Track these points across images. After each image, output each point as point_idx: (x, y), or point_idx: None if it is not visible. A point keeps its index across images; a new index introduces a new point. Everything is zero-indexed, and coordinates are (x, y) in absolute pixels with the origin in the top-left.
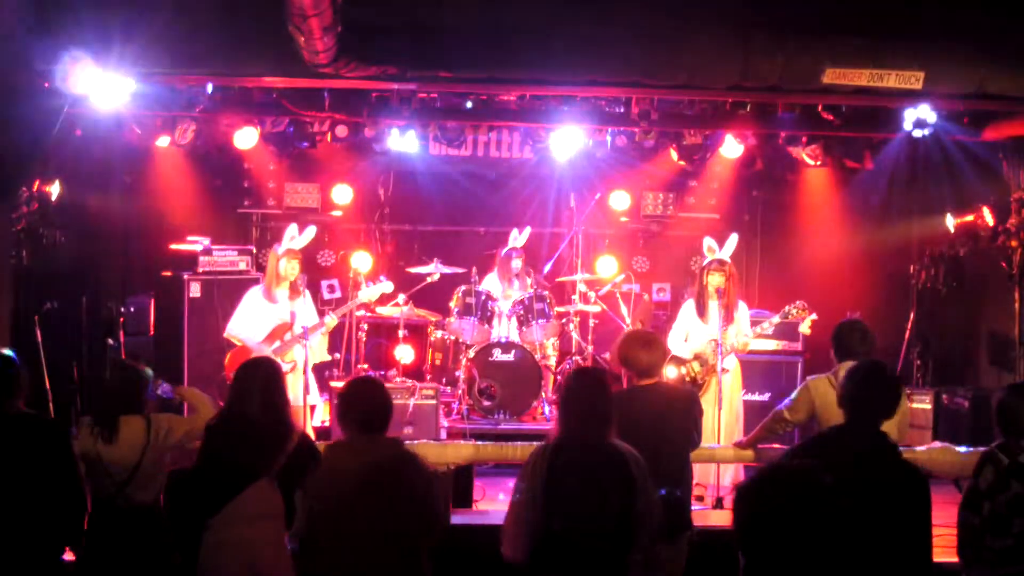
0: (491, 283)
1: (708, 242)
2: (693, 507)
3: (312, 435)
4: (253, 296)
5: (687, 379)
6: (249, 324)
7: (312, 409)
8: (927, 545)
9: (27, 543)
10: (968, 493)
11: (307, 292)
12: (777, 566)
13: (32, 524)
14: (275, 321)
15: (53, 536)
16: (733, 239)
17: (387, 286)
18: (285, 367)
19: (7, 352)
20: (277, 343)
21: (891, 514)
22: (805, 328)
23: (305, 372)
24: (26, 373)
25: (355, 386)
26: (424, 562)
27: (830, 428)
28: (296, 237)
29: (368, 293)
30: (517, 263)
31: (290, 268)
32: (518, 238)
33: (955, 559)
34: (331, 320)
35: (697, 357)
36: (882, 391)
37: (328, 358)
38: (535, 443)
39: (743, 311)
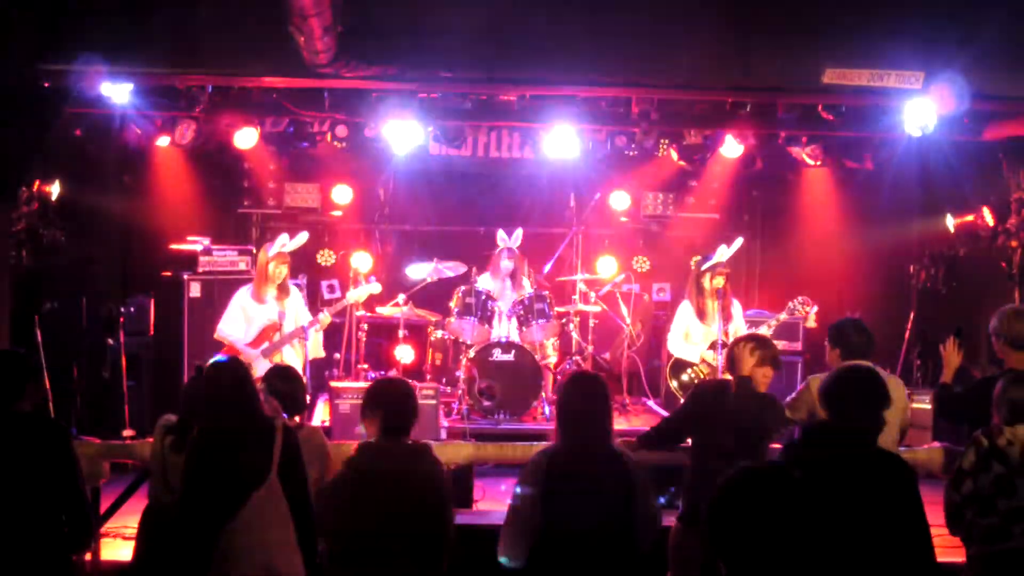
0: (485, 282)
1: (722, 249)
2: None
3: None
4: (241, 297)
5: (694, 381)
6: (238, 325)
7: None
8: (920, 537)
9: (27, 545)
10: (954, 473)
11: (296, 291)
12: (757, 569)
13: (32, 526)
14: (263, 322)
15: (54, 539)
16: (738, 242)
17: (374, 287)
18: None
19: (18, 352)
20: (266, 344)
21: (876, 508)
22: (811, 322)
23: (305, 371)
24: (37, 375)
25: (379, 387)
26: (441, 567)
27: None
28: (287, 244)
29: (356, 294)
30: (507, 264)
31: (279, 272)
32: (507, 240)
33: (958, 559)
34: (324, 317)
35: (704, 359)
36: (853, 387)
37: (323, 354)
38: (535, 443)
39: (738, 309)
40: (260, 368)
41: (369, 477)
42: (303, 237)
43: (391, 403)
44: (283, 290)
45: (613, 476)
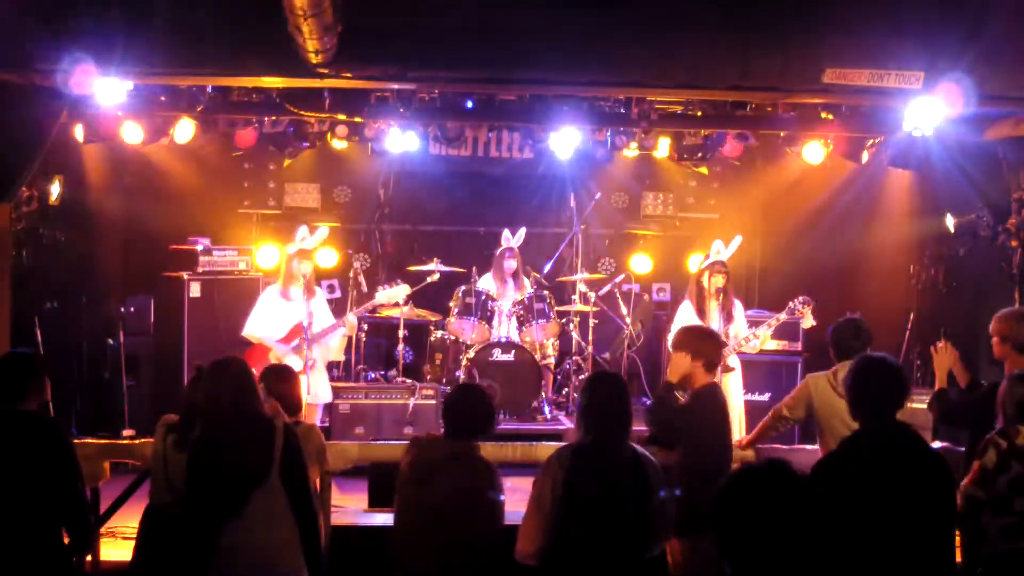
0: (486, 283)
1: (717, 245)
2: None
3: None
4: (269, 295)
5: None
6: (267, 323)
7: (326, 407)
8: (952, 536)
9: (25, 546)
10: (978, 472)
11: (321, 292)
12: (763, 569)
13: (30, 526)
14: (293, 320)
15: (53, 540)
16: (736, 240)
17: (404, 289)
18: (301, 365)
19: (22, 352)
20: (296, 341)
21: (922, 507)
22: (808, 321)
23: (305, 372)
24: (40, 375)
25: (454, 392)
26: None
27: (852, 435)
28: (307, 238)
29: (386, 295)
30: (511, 263)
31: (303, 268)
32: (511, 239)
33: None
34: (352, 319)
35: None
36: (885, 383)
37: (342, 358)
38: (535, 443)
39: (739, 309)
40: (292, 365)
41: (415, 469)
42: (323, 232)
43: (450, 406)
44: (309, 289)
45: (632, 475)
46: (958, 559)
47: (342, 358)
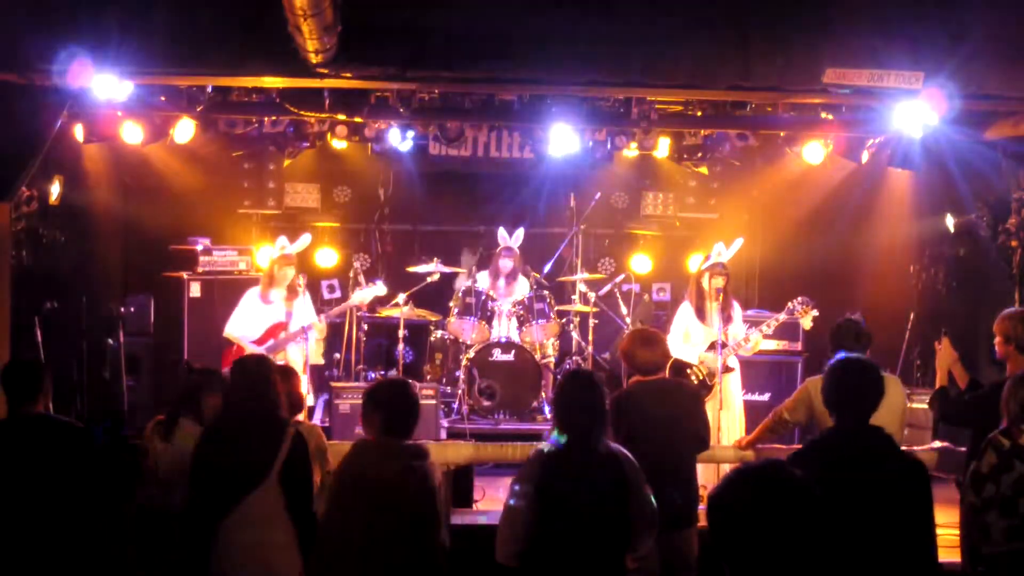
0: (483, 282)
1: (718, 247)
2: None
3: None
4: (250, 297)
5: (695, 381)
6: (245, 324)
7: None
8: (932, 539)
9: (46, 549)
10: (970, 476)
11: (307, 293)
12: (761, 570)
13: (52, 529)
14: (270, 321)
15: (74, 543)
16: (738, 242)
17: (379, 288)
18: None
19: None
20: (271, 342)
21: (896, 509)
22: (807, 323)
23: (305, 371)
24: (48, 379)
25: (382, 388)
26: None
27: (823, 432)
28: (287, 247)
29: (360, 295)
30: (506, 263)
31: (283, 274)
32: (507, 239)
33: (956, 559)
34: (319, 324)
35: (703, 360)
36: (857, 384)
37: (321, 361)
38: (535, 443)
39: (738, 311)
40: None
41: (359, 476)
42: (305, 240)
43: (390, 404)
44: (292, 292)
45: (609, 473)
46: (958, 559)
47: (320, 361)
